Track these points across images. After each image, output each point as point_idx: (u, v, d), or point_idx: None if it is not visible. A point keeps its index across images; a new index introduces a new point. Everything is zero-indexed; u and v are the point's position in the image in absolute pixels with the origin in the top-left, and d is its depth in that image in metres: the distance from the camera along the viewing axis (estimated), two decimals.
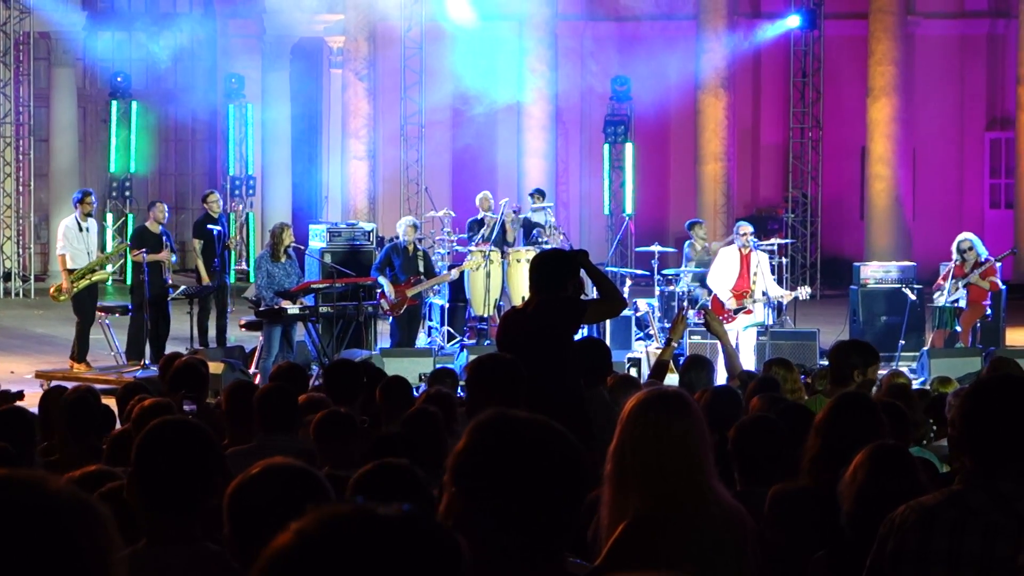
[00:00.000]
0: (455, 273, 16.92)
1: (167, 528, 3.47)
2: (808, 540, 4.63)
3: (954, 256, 16.50)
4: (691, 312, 15.43)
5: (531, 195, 19.13)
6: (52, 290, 16.91)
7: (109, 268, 17.97)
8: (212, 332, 17.25)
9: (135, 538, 3.52)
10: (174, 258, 16.91)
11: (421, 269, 16.43)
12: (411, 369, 13.82)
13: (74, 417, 6.85)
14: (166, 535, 3.46)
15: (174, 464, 3.51)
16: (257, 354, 15.08)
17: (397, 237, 16.90)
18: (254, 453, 5.87)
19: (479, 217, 18.16)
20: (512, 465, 2.53)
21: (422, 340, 16.94)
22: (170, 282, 16.67)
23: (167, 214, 17.10)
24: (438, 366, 12.80)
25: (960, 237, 16.70)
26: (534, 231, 17.85)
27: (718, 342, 10.85)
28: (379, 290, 16.22)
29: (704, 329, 13.60)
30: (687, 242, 18.05)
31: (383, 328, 17.48)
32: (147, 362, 15.67)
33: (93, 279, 16.46)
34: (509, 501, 2.51)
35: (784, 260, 18.94)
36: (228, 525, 3.02)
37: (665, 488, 3.69)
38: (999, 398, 3.60)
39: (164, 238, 16.58)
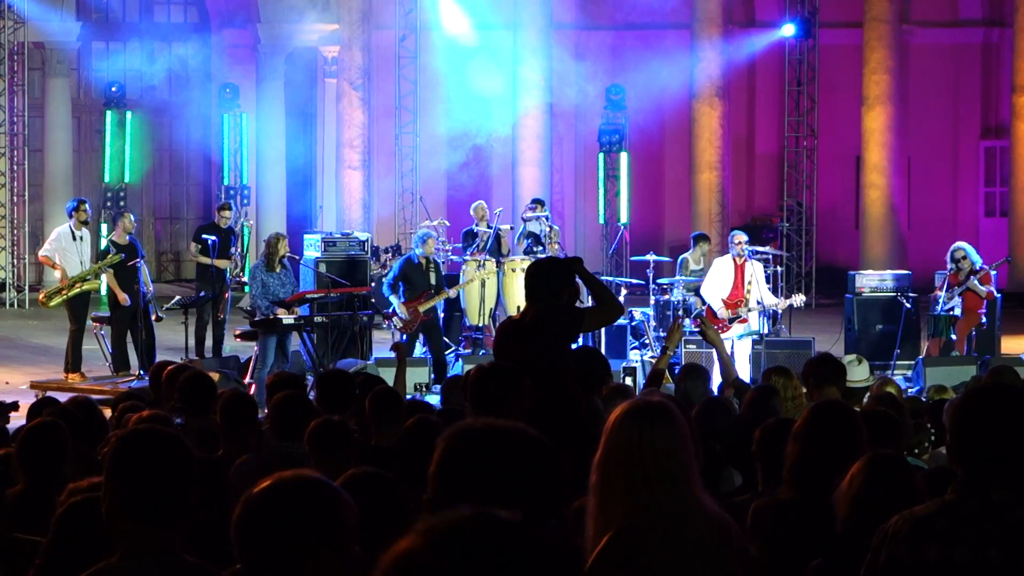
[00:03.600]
0: (453, 292, 16.69)
1: (144, 540, 3.34)
2: (792, 553, 4.61)
3: (949, 265, 16.51)
4: (687, 321, 15.39)
5: (530, 205, 18.59)
6: (42, 296, 16.71)
7: (103, 277, 17.93)
8: (208, 342, 17.23)
9: (110, 551, 3.39)
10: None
11: (432, 282, 16.10)
12: (408, 379, 13.74)
13: (76, 427, 6.82)
14: (142, 548, 3.33)
15: (152, 474, 3.37)
16: (252, 364, 15.04)
17: (411, 249, 16.63)
18: (271, 461, 5.86)
19: (474, 228, 18.10)
20: (486, 472, 2.53)
21: (418, 350, 16.86)
22: (148, 291, 16.42)
23: (135, 223, 16.98)
24: (449, 374, 12.67)
25: (954, 246, 16.70)
26: (528, 241, 17.80)
27: (713, 351, 10.85)
28: (390, 309, 16.01)
29: (700, 338, 13.59)
30: (684, 256, 17.89)
31: (378, 337, 17.42)
32: (141, 372, 15.62)
33: (84, 288, 16.39)
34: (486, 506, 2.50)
35: (779, 269, 18.92)
36: (238, 540, 2.89)
37: (650, 498, 3.68)
38: (990, 407, 3.59)
39: (135, 247, 16.51)
